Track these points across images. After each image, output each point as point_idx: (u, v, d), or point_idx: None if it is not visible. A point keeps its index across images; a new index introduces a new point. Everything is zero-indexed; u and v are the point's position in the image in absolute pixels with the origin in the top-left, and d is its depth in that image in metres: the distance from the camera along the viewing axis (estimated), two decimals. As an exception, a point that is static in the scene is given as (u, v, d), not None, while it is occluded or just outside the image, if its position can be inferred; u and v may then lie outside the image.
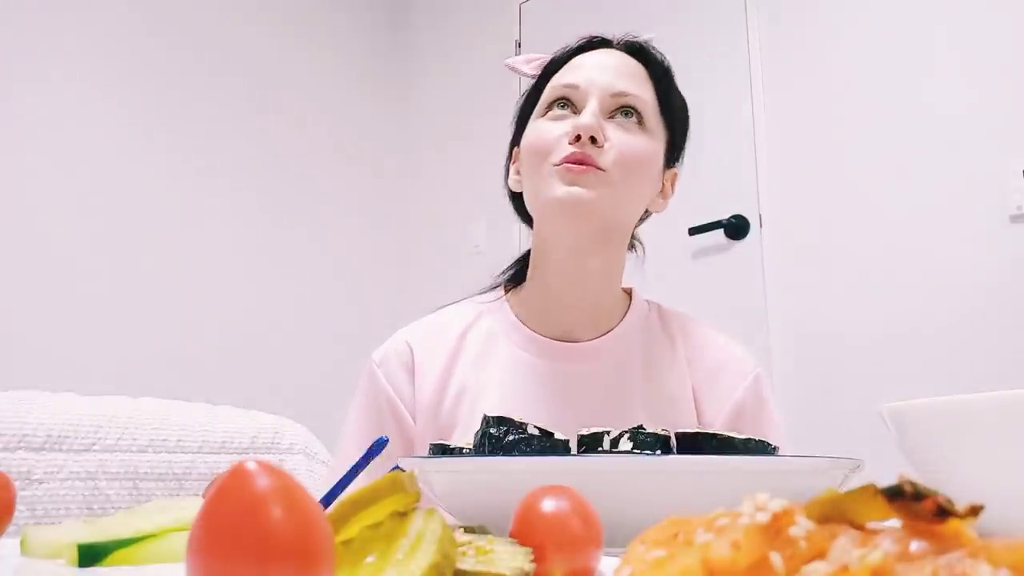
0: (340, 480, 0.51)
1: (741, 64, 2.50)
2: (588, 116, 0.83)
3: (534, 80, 0.94)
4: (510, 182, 0.95)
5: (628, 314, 0.93)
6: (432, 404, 0.87)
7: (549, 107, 0.88)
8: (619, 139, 0.84)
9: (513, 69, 0.97)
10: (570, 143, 0.82)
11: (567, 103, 0.87)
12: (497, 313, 0.94)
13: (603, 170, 0.82)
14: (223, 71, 3.02)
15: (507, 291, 0.96)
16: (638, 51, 0.91)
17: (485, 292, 0.98)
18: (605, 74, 0.87)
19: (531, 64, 0.95)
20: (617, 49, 0.91)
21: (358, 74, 3.45)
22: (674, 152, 0.93)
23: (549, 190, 0.83)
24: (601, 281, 0.89)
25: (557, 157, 0.83)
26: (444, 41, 3.43)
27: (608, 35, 0.93)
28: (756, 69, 2.48)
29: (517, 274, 0.97)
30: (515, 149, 0.95)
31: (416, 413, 0.88)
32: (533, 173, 0.86)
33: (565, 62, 0.91)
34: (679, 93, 0.93)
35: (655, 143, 0.88)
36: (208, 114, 2.95)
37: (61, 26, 2.64)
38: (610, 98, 0.85)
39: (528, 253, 0.95)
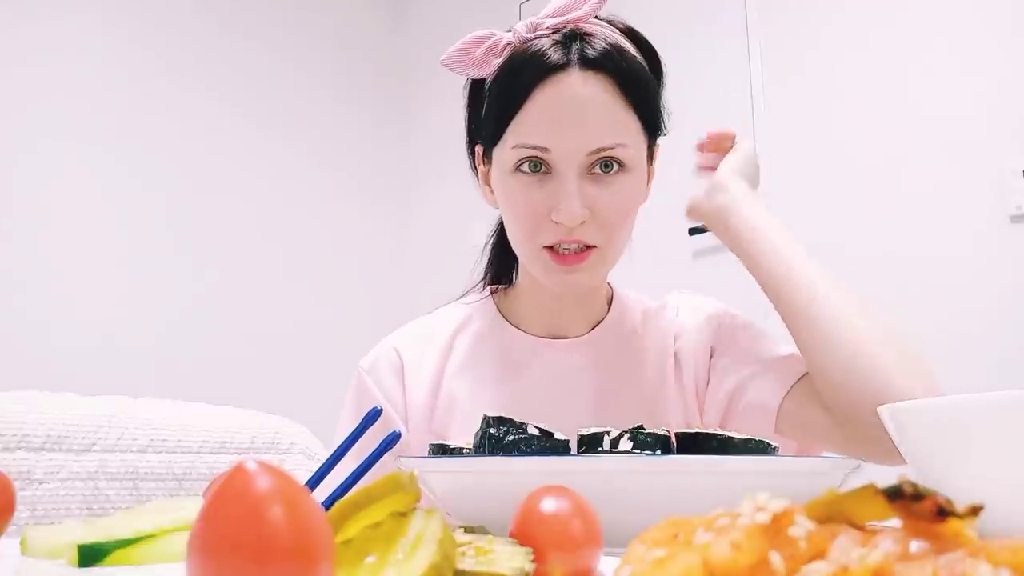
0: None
1: (741, 64, 2.50)
2: (572, 205, 0.77)
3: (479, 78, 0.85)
4: (486, 199, 0.92)
5: (612, 306, 0.93)
6: (424, 410, 0.87)
7: (518, 164, 0.81)
8: (603, 204, 0.79)
9: (452, 68, 0.85)
10: (554, 220, 0.79)
11: (538, 162, 0.80)
12: (485, 314, 0.93)
13: (595, 247, 0.80)
14: (222, 72, 3.02)
15: (494, 292, 0.96)
16: (598, 63, 0.79)
17: (469, 292, 0.97)
18: (575, 131, 0.78)
19: (469, 60, 0.84)
20: (578, 67, 0.79)
21: (357, 74, 3.45)
22: (654, 142, 0.88)
23: (543, 272, 0.82)
24: (594, 287, 0.90)
25: (545, 238, 0.80)
26: (443, 40, 3.42)
27: (557, 46, 0.80)
28: (756, 69, 2.48)
29: (504, 270, 0.96)
30: (476, 147, 0.89)
31: (408, 418, 0.87)
32: (518, 240, 0.84)
33: (523, 92, 0.79)
34: (647, 55, 0.84)
35: (637, 172, 0.82)
36: (207, 115, 2.95)
37: (61, 10, 2.64)
38: (585, 157, 0.79)
39: (508, 246, 0.92)
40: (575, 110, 0.78)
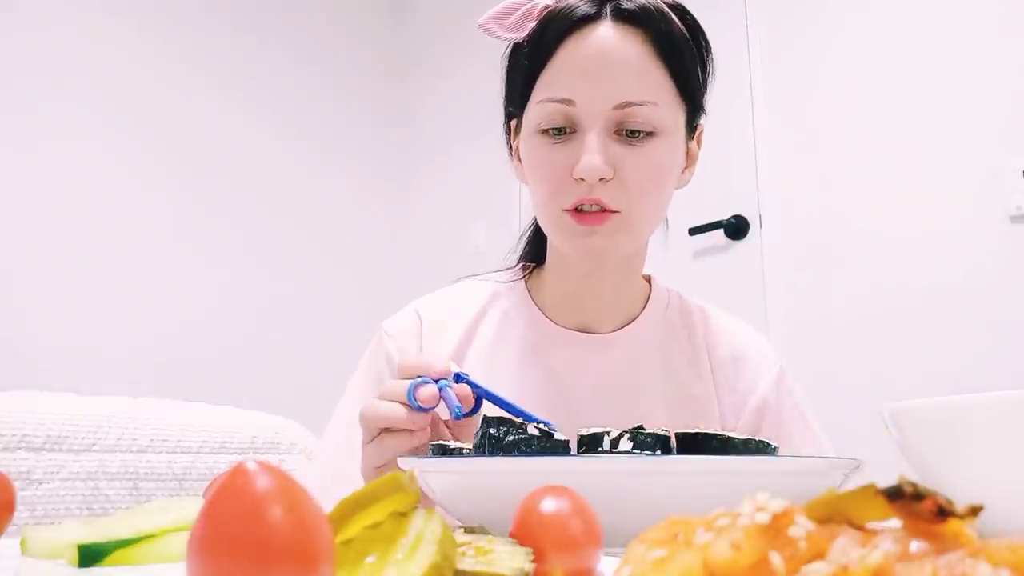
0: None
1: (741, 64, 2.50)
2: (592, 157, 0.74)
3: (516, 40, 0.83)
4: (515, 171, 0.90)
5: (648, 305, 0.89)
6: None
7: (544, 124, 0.79)
8: (630, 166, 0.76)
9: (488, 32, 0.82)
10: (576, 180, 0.76)
11: (563, 126, 0.78)
12: (514, 295, 0.90)
13: (616, 211, 0.76)
14: (220, 72, 3.02)
15: (525, 271, 0.92)
16: (633, 17, 0.77)
17: (504, 271, 0.94)
18: (602, 82, 0.75)
19: (506, 24, 0.82)
20: (611, 19, 0.77)
21: (357, 73, 3.45)
22: (695, 117, 0.83)
23: (563, 237, 0.79)
24: (623, 273, 0.87)
25: (567, 200, 0.77)
26: (444, 40, 3.42)
27: (591, 1, 0.78)
28: (756, 69, 2.48)
29: (536, 251, 0.93)
30: (512, 123, 0.88)
31: None
32: (541, 204, 0.81)
33: (552, 45, 0.78)
34: (690, 32, 0.81)
35: (671, 139, 0.79)
36: (207, 115, 2.95)
37: (58, 21, 2.64)
38: (612, 111, 0.75)
39: (542, 233, 0.89)
40: (602, 60, 0.76)
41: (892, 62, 2.23)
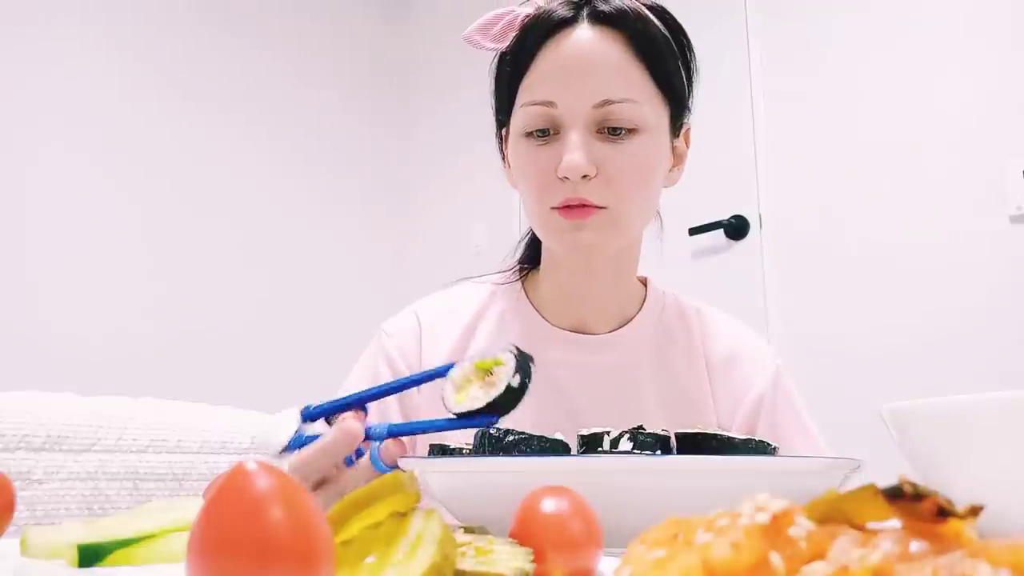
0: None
1: (741, 64, 2.50)
2: (574, 155, 0.76)
3: (502, 50, 0.85)
4: (507, 177, 0.91)
5: (644, 307, 0.90)
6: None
7: (528, 127, 0.80)
8: (613, 163, 0.77)
9: (473, 43, 0.84)
10: (561, 179, 0.77)
11: (546, 127, 0.79)
12: (510, 297, 0.91)
13: (603, 208, 0.78)
14: (221, 71, 3.02)
15: (522, 272, 0.94)
16: (610, 19, 0.79)
17: (500, 272, 0.95)
18: (582, 83, 0.77)
19: (490, 35, 0.83)
20: (588, 22, 0.79)
21: (358, 75, 3.45)
22: (679, 115, 0.85)
23: (553, 235, 0.81)
24: (614, 272, 0.87)
25: (553, 199, 0.78)
26: (445, 41, 3.42)
27: (568, 5, 0.80)
28: (756, 69, 2.48)
29: (533, 254, 0.94)
30: (504, 131, 0.89)
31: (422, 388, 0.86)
32: (529, 206, 0.83)
33: (531, 51, 0.80)
34: (671, 32, 0.83)
35: (654, 136, 0.80)
36: (208, 115, 2.95)
37: (53, 30, 2.64)
38: (592, 110, 0.77)
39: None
40: (580, 61, 0.78)
41: (892, 62, 2.23)
